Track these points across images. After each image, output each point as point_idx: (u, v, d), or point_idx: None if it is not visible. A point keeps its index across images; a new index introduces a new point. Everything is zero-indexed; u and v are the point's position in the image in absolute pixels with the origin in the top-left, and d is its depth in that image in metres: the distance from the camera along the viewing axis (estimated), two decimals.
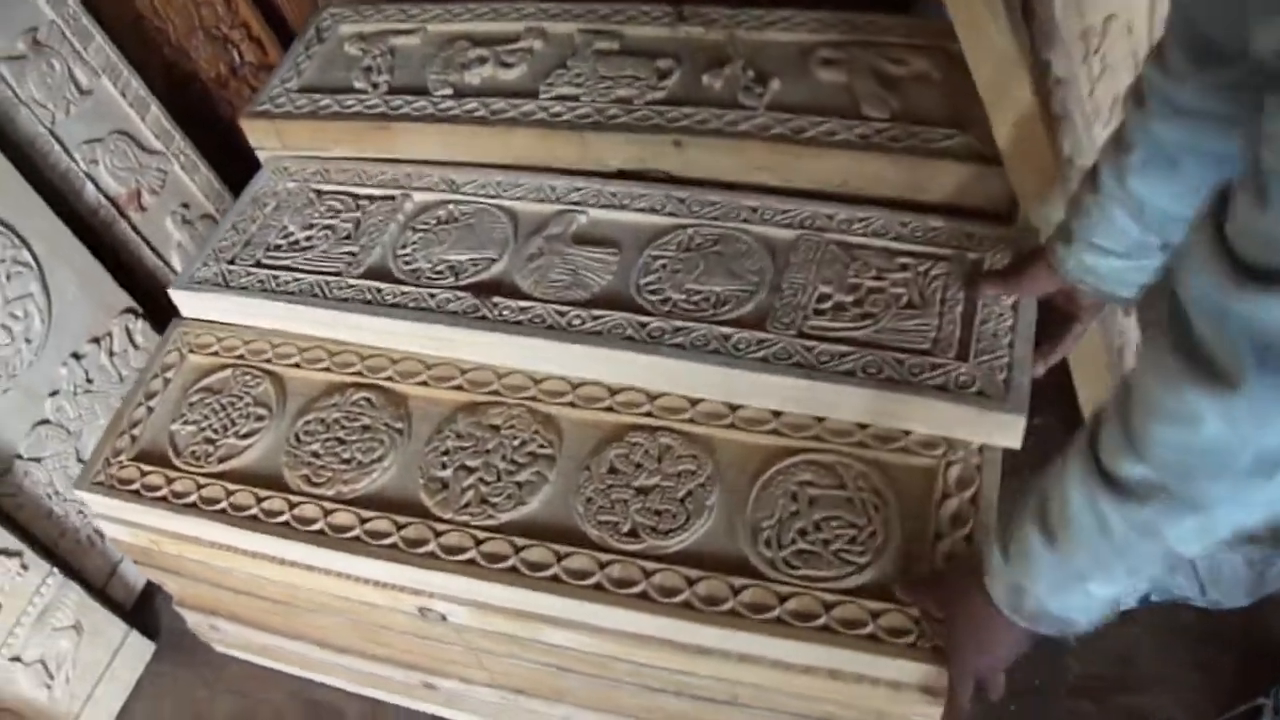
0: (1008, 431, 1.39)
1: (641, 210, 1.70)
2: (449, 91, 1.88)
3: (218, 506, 1.60)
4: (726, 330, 1.51)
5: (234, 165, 2.32)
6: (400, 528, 1.51)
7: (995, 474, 1.40)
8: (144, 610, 2.21)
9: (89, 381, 2.09)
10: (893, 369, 1.43)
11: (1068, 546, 0.95)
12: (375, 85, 1.92)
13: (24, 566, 1.92)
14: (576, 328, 1.56)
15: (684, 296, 1.58)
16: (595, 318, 1.57)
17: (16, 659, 1.94)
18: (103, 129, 2.16)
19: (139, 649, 2.14)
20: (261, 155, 2.00)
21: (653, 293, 1.59)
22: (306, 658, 1.93)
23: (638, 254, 1.65)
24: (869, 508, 1.40)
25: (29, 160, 2.02)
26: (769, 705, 1.48)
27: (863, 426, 1.45)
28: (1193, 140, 1.11)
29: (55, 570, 1.97)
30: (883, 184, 1.67)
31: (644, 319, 1.55)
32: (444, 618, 1.56)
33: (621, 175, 1.78)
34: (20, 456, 1.98)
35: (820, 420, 1.47)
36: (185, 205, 2.34)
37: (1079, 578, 0.97)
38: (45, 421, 2.02)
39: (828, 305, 1.53)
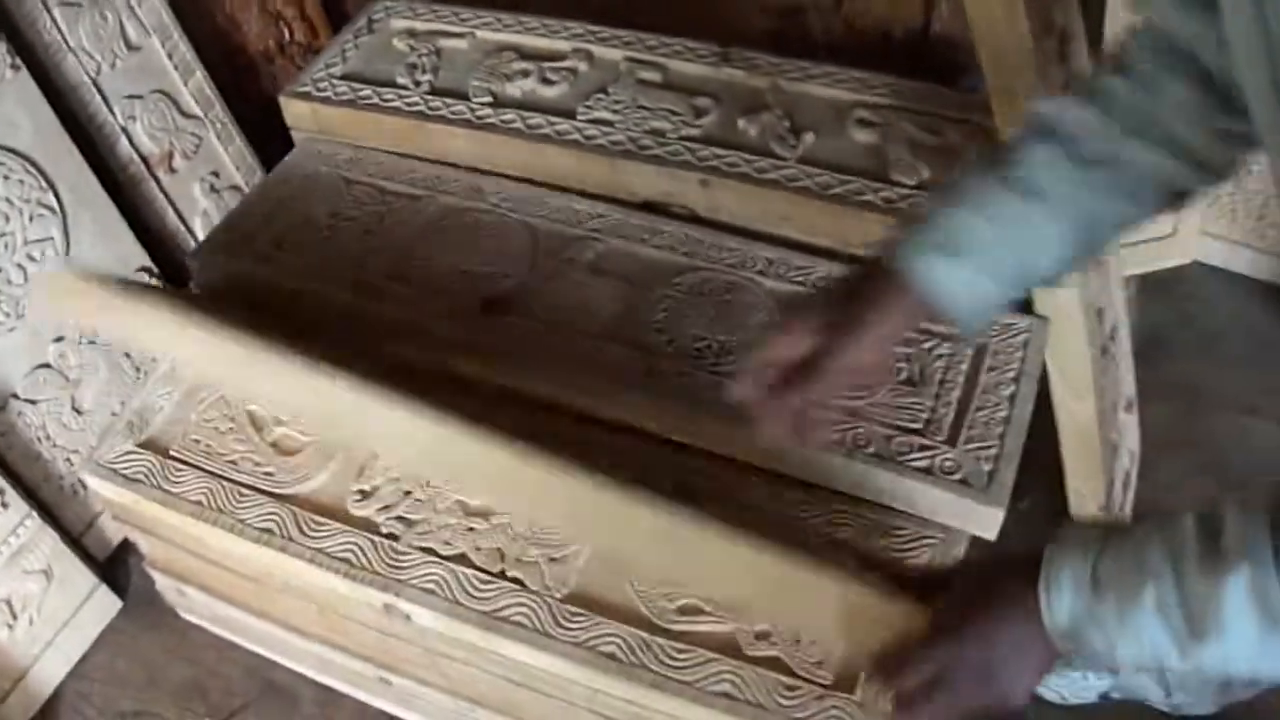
0: (985, 523, 1.40)
1: (659, 248, 1.72)
2: (489, 99, 1.90)
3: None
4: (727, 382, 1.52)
5: (270, 141, 2.34)
6: None
7: None
8: (116, 567, 2.22)
9: (96, 333, 2.10)
10: (880, 444, 1.44)
11: (1200, 644, 0.82)
12: (417, 83, 1.95)
13: (4, 504, 1.93)
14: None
15: (689, 342, 1.60)
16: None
17: None
18: (145, 87, 2.18)
19: (105, 604, 2.14)
20: (296, 136, 2.02)
21: (659, 331, 1.61)
22: (269, 636, 1.94)
23: (648, 291, 1.67)
24: None
25: (68, 107, 2.05)
26: None
27: None
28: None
29: (34, 513, 1.98)
30: None
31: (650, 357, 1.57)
32: (408, 618, 1.57)
33: (646, 207, 1.80)
34: (16, 396, 1.99)
35: None
36: (215, 174, 2.36)
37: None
38: (46, 365, 2.03)
39: None
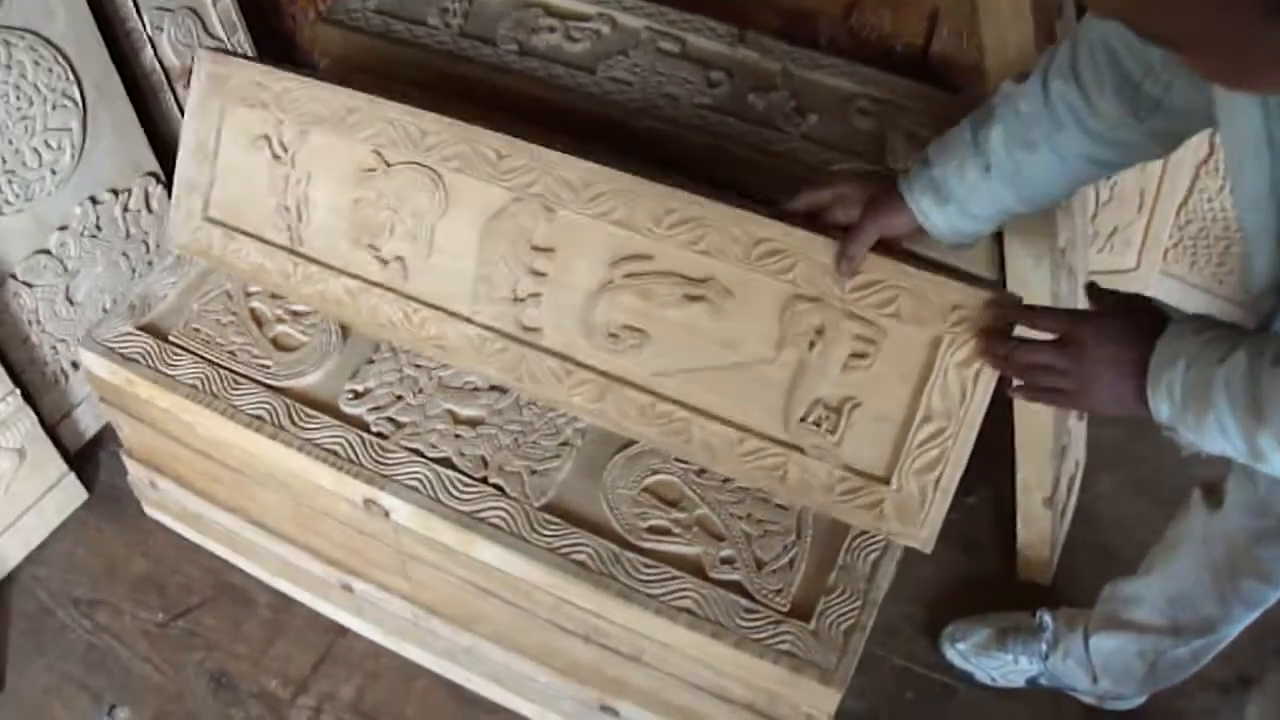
0: None
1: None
2: (514, 48, 1.98)
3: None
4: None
5: None
6: None
7: None
8: (86, 460, 2.25)
9: (98, 228, 2.15)
10: None
11: (1256, 462, 1.05)
12: (448, 25, 2.02)
13: None
14: None
15: None
16: None
17: None
18: (176, 1, 2.25)
19: (72, 492, 2.17)
20: (323, 63, 2.09)
21: None
22: (234, 535, 1.98)
23: None
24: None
25: (102, 8, 2.10)
26: (670, 669, 1.56)
27: None
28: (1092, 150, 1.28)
29: (16, 391, 2.01)
30: None
31: None
32: (387, 514, 1.63)
33: (661, 164, 1.89)
34: (14, 277, 2.03)
35: None
36: None
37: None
38: (46, 251, 2.07)
39: None
